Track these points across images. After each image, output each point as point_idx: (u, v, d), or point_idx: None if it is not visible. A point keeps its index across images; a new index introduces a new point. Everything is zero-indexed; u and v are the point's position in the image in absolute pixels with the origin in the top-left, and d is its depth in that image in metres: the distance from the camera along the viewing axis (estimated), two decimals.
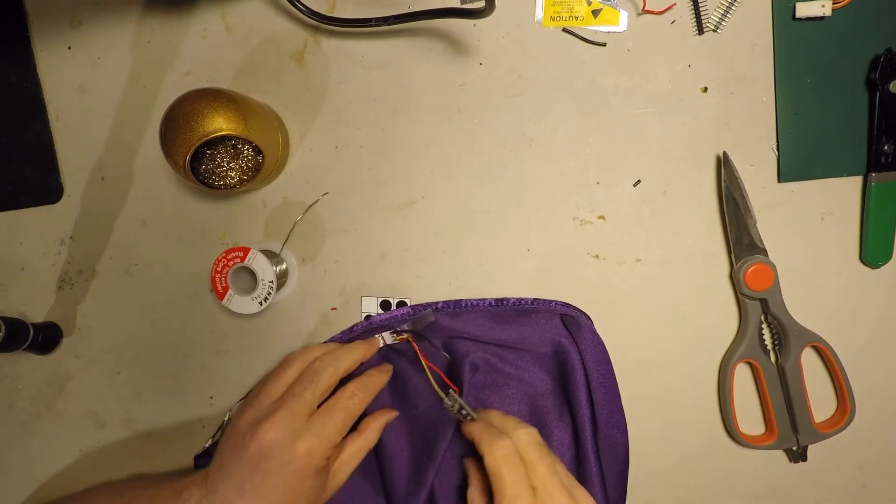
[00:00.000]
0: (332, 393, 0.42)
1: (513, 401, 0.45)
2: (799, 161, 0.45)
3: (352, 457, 0.43)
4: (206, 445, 0.49)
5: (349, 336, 0.47)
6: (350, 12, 0.46)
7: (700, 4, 0.44)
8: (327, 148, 0.48)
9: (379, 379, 0.44)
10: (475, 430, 0.39)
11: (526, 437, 0.38)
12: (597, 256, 0.47)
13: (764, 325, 0.46)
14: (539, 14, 0.45)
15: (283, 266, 0.49)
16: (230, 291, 0.47)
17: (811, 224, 0.46)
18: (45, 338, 0.50)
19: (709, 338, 0.47)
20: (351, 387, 0.42)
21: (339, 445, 0.42)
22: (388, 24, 0.44)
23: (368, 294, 0.49)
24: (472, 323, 0.45)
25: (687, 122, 0.45)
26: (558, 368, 0.45)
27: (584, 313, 0.46)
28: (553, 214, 0.47)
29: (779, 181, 0.45)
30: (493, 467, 0.37)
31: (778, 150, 0.45)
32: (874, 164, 0.44)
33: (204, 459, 0.48)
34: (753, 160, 0.45)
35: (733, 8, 0.44)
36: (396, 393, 0.46)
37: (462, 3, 0.40)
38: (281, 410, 0.39)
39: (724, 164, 0.44)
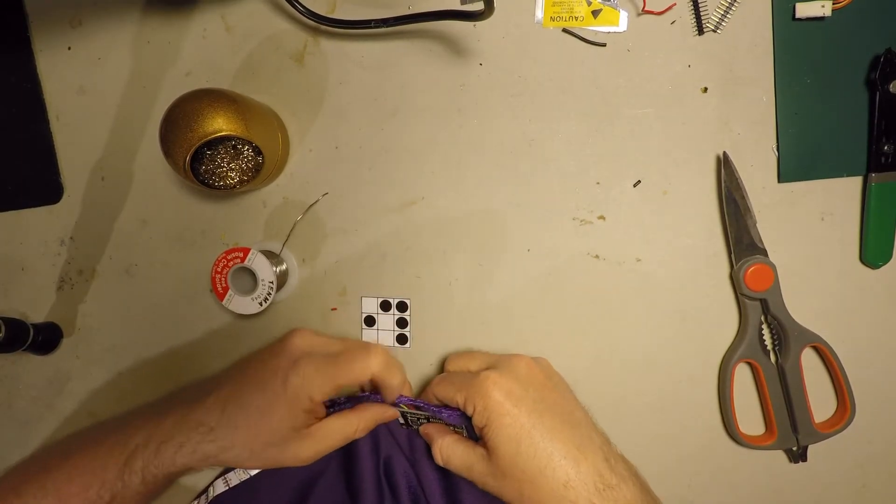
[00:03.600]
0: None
1: None
2: (799, 161, 0.45)
3: (335, 430, 0.41)
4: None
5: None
6: (350, 13, 0.46)
7: (700, 4, 0.44)
8: (327, 148, 0.48)
9: (388, 410, 0.44)
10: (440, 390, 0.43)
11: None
12: (597, 256, 0.47)
13: (764, 325, 0.46)
14: (539, 14, 0.45)
15: (283, 266, 0.49)
16: (230, 292, 0.47)
17: (811, 224, 0.45)
18: (46, 338, 0.50)
19: (709, 338, 0.47)
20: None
21: (329, 416, 0.42)
22: (387, 26, 0.44)
23: (368, 294, 0.49)
24: None
25: (687, 122, 0.45)
26: None
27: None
28: (553, 214, 0.47)
29: (779, 181, 0.45)
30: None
31: (778, 150, 0.45)
32: (874, 164, 0.44)
33: None
34: (753, 160, 0.45)
35: (733, 8, 0.44)
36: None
37: (462, 4, 0.40)
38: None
39: (724, 164, 0.44)
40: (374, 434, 0.46)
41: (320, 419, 0.42)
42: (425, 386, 0.47)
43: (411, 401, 0.43)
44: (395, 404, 0.43)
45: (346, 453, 0.46)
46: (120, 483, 0.40)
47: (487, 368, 0.42)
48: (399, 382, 0.42)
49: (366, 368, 0.41)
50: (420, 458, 0.45)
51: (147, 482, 0.41)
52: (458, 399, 0.41)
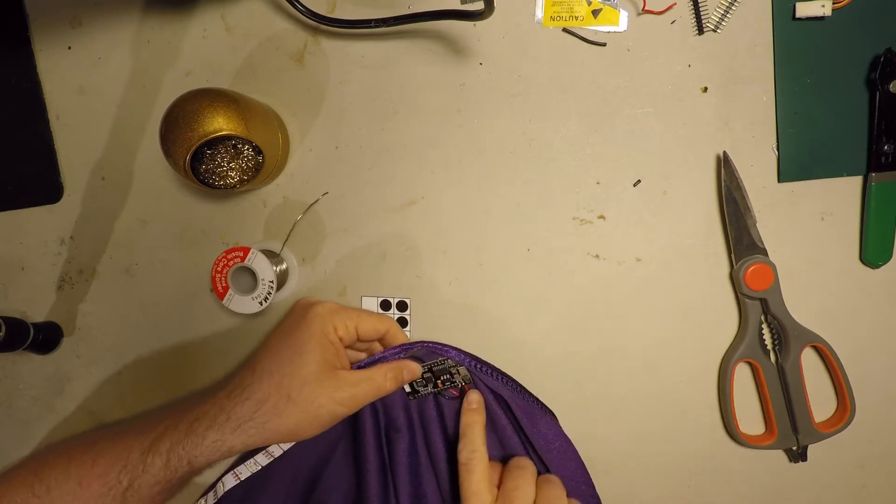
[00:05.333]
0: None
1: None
2: (799, 161, 0.45)
3: (366, 377, 0.42)
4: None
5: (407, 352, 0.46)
6: (350, 13, 0.46)
7: (700, 4, 0.44)
8: (327, 148, 0.48)
9: (411, 363, 0.44)
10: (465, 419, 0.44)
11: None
12: (597, 256, 0.47)
13: (764, 325, 0.46)
14: (539, 14, 0.45)
15: (283, 266, 0.49)
16: (230, 291, 0.47)
17: (811, 224, 0.46)
18: (46, 338, 0.50)
19: (709, 338, 0.47)
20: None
21: (358, 368, 0.43)
22: (387, 26, 0.44)
23: (368, 294, 0.49)
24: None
25: (687, 122, 0.45)
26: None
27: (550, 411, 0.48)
28: (553, 214, 0.47)
29: (779, 181, 0.45)
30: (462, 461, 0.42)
31: (778, 150, 0.45)
32: (874, 164, 0.44)
33: None
34: (753, 160, 0.45)
35: (733, 8, 0.44)
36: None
37: (462, 4, 0.40)
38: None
39: (724, 164, 0.44)
40: (375, 414, 0.46)
41: (348, 369, 0.43)
42: None
43: (425, 343, 0.44)
44: (412, 352, 0.44)
45: (353, 438, 0.46)
46: (141, 466, 0.40)
47: None
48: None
49: (383, 321, 0.44)
50: (428, 424, 0.46)
51: (170, 465, 0.40)
52: None
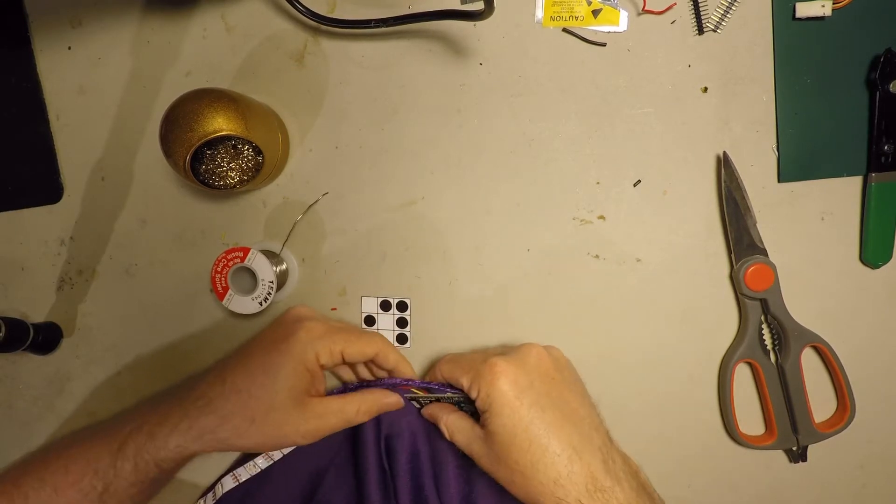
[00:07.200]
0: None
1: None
2: (799, 161, 0.45)
3: (336, 409, 0.41)
4: None
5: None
6: (350, 13, 0.46)
7: (700, 4, 0.44)
8: (327, 148, 0.48)
9: (390, 396, 0.44)
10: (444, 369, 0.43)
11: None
12: (597, 256, 0.47)
13: (764, 325, 0.46)
14: (539, 14, 0.45)
15: (283, 266, 0.49)
16: (230, 291, 0.47)
17: (811, 224, 0.46)
18: (46, 338, 0.50)
19: (709, 338, 0.47)
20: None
21: (331, 396, 0.43)
22: (387, 26, 0.44)
23: (368, 294, 0.49)
24: None
25: (687, 122, 0.45)
26: None
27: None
28: (553, 214, 0.47)
29: (779, 181, 0.45)
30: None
31: (778, 150, 0.45)
32: (874, 164, 0.44)
33: None
34: (753, 160, 0.45)
35: (733, 8, 0.44)
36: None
37: (462, 4, 0.40)
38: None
39: (724, 164, 0.44)
40: (377, 420, 0.46)
41: (321, 396, 0.42)
42: (431, 366, 0.47)
43: (418, 383, 0.44)
44: (401, 390, 0.44)
45: (353, 444, 0.46)
46: (112, 471, 0.40)
47: (497, 354, 0.42)
48: (403, 364, 0.44)
49: (372, 343, 0.43)
50: (431, 429, 0.46)
51: (139, 469, 0.40)
52: (464, 382, 0.41)
